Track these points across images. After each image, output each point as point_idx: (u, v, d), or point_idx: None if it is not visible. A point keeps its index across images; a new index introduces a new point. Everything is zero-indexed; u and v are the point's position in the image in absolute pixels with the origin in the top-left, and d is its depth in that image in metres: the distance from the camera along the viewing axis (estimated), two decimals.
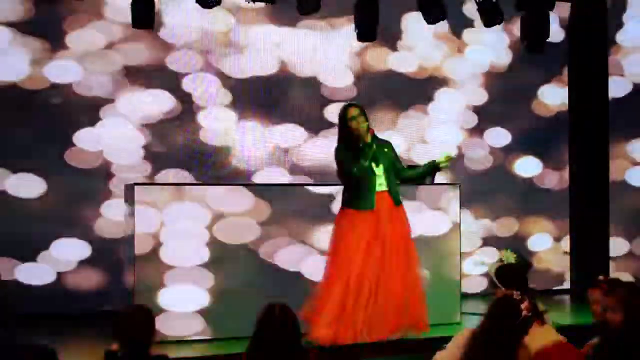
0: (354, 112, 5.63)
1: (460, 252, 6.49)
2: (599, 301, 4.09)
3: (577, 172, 7.64)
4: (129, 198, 5.82)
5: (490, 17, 6.45)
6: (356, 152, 5.56)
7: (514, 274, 4.34)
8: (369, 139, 5.61)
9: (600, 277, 4.29)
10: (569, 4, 7.79)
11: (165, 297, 5.66)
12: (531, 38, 6.65)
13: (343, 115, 5.67)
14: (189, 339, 5.60)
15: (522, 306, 3.50)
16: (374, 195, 5.59)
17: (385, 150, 5.75)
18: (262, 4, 6.69)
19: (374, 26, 6.40)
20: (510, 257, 4.59)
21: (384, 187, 5.64)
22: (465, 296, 6.63)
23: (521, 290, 3.79)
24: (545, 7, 6.58)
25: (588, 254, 7.64)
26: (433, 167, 5.80)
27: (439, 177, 6.24)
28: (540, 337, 3.83)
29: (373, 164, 5.61)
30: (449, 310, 6.26)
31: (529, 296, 3.67)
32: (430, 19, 6.49)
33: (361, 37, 6.71)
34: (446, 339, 3.99)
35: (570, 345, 4.02)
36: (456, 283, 6.39)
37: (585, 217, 7.65)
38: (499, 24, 6.62)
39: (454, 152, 5.84)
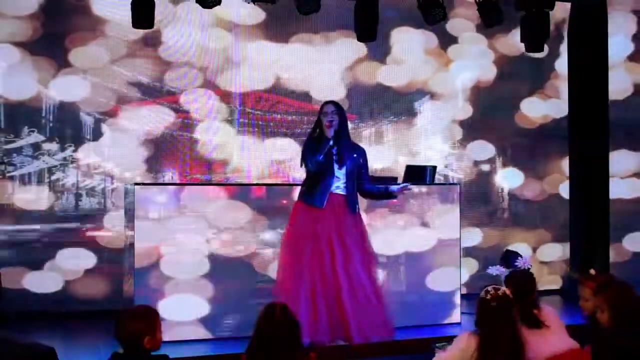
0: (327, 108, 5.36)
1: (460, 251, 6.33)
2: (588, 299, 3.97)
3: (577, 174, 7.38)
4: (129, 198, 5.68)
5: (490, 17, 6.25)
6: (316, 145, 5.26)
7: (524, 280, 4.14)
8: (330, 134, 5.26)
9: (592, 272, 4.16)
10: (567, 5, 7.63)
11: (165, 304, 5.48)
12: (531, 38, 6.45)
13: (320, 109, 5.44)
14: (189, 339, 5.39)
15: (501, 292, 3.60)
16: (326, 194, 5.23)
17: (355, 155, 5.40)
18: (260, 12, 6.56)
19: (374, 26, 6.22)
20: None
21: (341, 191, 5.30)
22: (465, 296, 6.42)
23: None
24: (545, 7, 6.39)
25: (587, 256, 7.41)
26: (389, 195, 5.56)
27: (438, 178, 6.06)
28: (552, 342, 3.80)
29: (336, 165, 5.28)
30: (449, 310, 6.08)
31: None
32: (430, 20, 6.30)
33: (361, 38, 6.53)
34: (446, 339, 3.98)
35: (582, 351, 3.87)
36: (456, 283, 6.22)
37: (584, 219, 7.43)
38: (499, 24, 6.44)
39: (411, 185, 5.65)
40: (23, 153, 6.76)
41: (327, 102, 5.46)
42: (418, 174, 6.30)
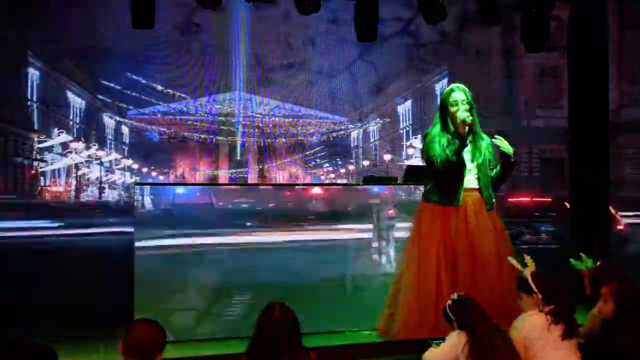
0: (457, 95, 4.35)
1: None
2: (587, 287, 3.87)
3: (577, 173, 6.83)
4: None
5: (490, 17, 5.81)
6: (448, 143, 4.27)
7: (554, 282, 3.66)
8: (465, 130, 4.27)
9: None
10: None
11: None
12: (531, 39, 5.99)
13: (446, 97, 4.40)
14: (189, 339, 4.85)
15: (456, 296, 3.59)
16: (462, 191, 4.31)
17: (484, 145, 4.44)
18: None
19: (374, 27, 5.74)
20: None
21: (475, 185, 4.37)
22: None
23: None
24: (545, 7, 5.95)
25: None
26: (504, 158, 4.44)
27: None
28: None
29: (468, 157, 4.34)
30: None
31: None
32: (431, 20, 5.86)
33: (361, 38, 6.05)
34: (443, 338, 3.61)
35: None
36: None
37: (584, 219, 6.88)
38: (499, 24, 5.99)
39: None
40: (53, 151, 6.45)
41: (452, 90, 4.41)
42: (418, 174, 5.77)
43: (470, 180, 4.39)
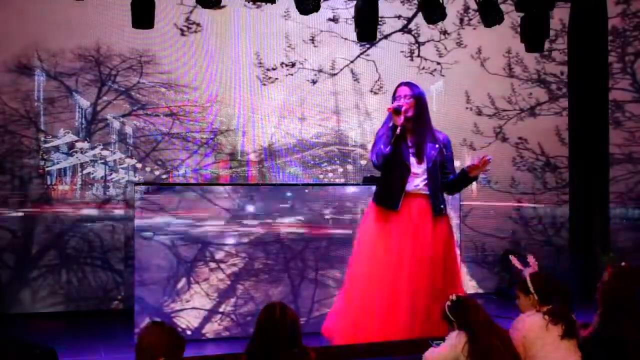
0: (399, 91, 4.13)
1: (460, 250, 5.68)
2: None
3: (577, 173, 6.79)
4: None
5: (490, 17, 5.76)
6: (386, 136, 4.00)
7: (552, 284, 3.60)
8: (399, 121, 3.95)
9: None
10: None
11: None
12: (531, 38, 5.96)
13: (393, 93, 4.19)
14: (189, 339, 4.84)
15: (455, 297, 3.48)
16: (401, 195, 4.01)
17: (437, 146, 4.11)
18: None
19: (374, 26, 5.68)
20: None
21: (423, 190, 4.06)
22: None
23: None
24: (545, 7, 5.90)
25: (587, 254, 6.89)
26: (465, 175, 4.13)
27: None
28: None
29: (413, 159, 4.05)
30: None
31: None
32: (430, 19, 5.82)
33: (361, 37, 6.00)
34: (443, 338, 3.56)
35: None
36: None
37: (584, 219, 6.86)
38: (499, 24, 5.95)
39: (489, 156, 4.07)
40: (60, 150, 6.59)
41: (400, 84, 4.19)
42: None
43: (418, 185, 4.07)
